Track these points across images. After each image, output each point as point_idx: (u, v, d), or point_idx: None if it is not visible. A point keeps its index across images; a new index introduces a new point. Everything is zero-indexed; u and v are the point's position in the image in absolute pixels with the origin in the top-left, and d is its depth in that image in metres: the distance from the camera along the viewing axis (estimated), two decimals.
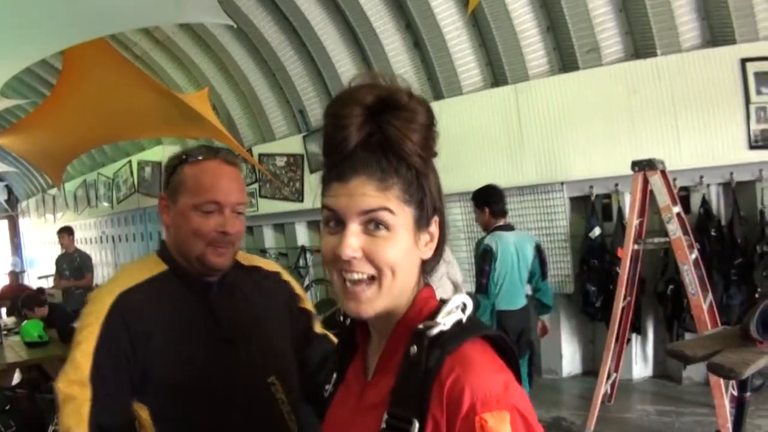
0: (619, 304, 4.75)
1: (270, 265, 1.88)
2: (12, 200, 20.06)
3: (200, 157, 1.61)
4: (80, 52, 5.47)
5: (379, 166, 0.97)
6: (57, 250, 9.02)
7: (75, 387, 1.45)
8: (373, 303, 0.98)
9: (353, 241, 0.96)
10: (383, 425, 0.92)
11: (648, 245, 4.89)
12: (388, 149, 0.98)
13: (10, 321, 7.97)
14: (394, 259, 0.97)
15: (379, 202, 0.96)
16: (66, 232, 8.83)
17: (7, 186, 19.29)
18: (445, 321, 0.95)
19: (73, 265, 8.67)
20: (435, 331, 0.94)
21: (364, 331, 1.12)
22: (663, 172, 4.68)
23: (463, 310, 0.98)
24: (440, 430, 0.88)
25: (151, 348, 1.49)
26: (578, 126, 5.69)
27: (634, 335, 5.57)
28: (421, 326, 0.96)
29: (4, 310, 10.38)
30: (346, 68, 7.48)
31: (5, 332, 6.83)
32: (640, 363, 5.79)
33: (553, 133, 5.89)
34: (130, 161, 11.45)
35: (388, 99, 0.98)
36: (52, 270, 9.41)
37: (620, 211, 5.64)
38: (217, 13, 4.74)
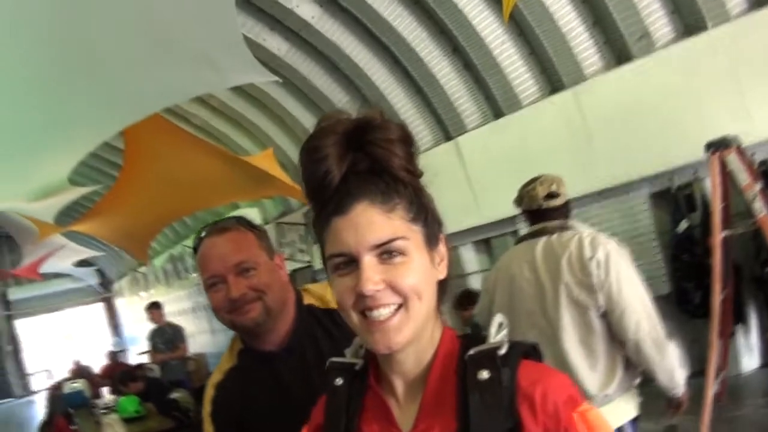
0: (717, 297, 4.55)
1: None
2: (105, 282, 21.17)
3: (200, 239, 1.71)
4: (139, 130, 5.74)
5: (377, 188, 0.96)
6: (152, 326, 9.41)
7: None
8: (402, 330, 0.96)
9: (373, 275, 0.94)
10: None
11: (737, 230, 4.70)
12: (379, 170, 0.97)
13: (110, 399, 8.39)
14: (416, 282, 0.96)
15: (389, 231, 0.95)
16: (153, 307, 9.24)
17: (98, 270, 20.33)
18: (499, 341, 0.98)
19: (166, 338, 9.04)
20: (503, 351, 0.96)
21: (377, 383, 1.08)
22: (739, 149, 4.50)
23: (501, 326, 1.01)
24: None
25: (247, 427, 1.71)
26: (644, 118, 5.55)
27: (738, 326, 5.32)
28: (472, 352, 0.98)
29: (106, 390, 10.90)
30: (402, 103, 7.61)
31: (104, 410, 7.25)
32: (747, 355, 5.54)
33: (620, 129, 5.78)
34: None
35: (362, 122, 0.97)
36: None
37: (704, 198, 5.44)
38: (257, 71, 4.87)
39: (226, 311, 1.65)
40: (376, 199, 0.95)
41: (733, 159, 4.43)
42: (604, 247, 2.60)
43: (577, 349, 2.64)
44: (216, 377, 1.78)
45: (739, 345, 5.50)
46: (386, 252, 0.94)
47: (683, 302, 5.58)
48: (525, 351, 0.99)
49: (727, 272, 4.80)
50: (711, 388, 4.53)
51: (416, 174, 1.01)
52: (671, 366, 2.57)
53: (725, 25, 5.10)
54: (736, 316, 5.12)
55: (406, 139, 0.98)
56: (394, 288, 0.94)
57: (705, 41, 5.18)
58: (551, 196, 2.85)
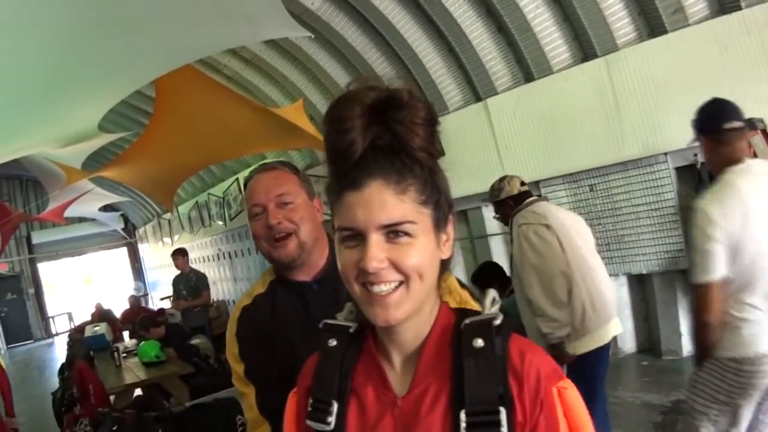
0: None
1: None
2: (129, 228, 21.68)
3: (250, 177, 1.95)
4: (171, 80, 5.90)
5: (393, 168, 1.00)
6: (175, 272, 9.69)
7: (242, 384, 1.88)
8: (402, 306, 1.01)
9: (378, 253, 0.98)
10: (463, 425, 0.98)
11: None
12: (398, 149, 1.00)
13: (131, 343, 8.64)
14: (420, 263, 1.00)
15: (399, 213, 0.98)
16: (179, 254, 9.44)
17: (122, 215, 20.79)
18: (494, 313, 1.05)
19: (190, 285, 9.28)
20: (498, 321, 1.03)
21: (373, 348, 1.13)
22: (764, 131, 4.61)
23: (494, 301, 1.09)
24: (526, 409, 0.98)
25: (269, 348, 1.84)
26: (674, 92, 5.63)
27: None
28: (468, 321, 1.05)
29: (126, 333, 11.29)
30: (433, 62, 7.71)
31: (125, 354, 7.47)
32: None
33: (649, 102, 5.87)
34: (237, 179, 12.15)
35: (389, 98, 1.00)
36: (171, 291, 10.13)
37: None
38: (291, 26, 5.05)
39: (265, 239, 1.85)
40: (391, 178, 0.99)
41: (757, 141, 4.52)
42: None
43: None
44: (244, 301, 1.95)
45: None
46: (393, 232, 0.99)
47: None
48: (516, 326, 1.06)
49: None
50: None
51: (435, 155, 1.04)
52: None
53: (759, 6, 5.11)
54: None
55: (431, 120, 1.02)
56: (397, 266, 0.99)
57: (738, 20, 5.21)
58: (524, 184, 4.03)
